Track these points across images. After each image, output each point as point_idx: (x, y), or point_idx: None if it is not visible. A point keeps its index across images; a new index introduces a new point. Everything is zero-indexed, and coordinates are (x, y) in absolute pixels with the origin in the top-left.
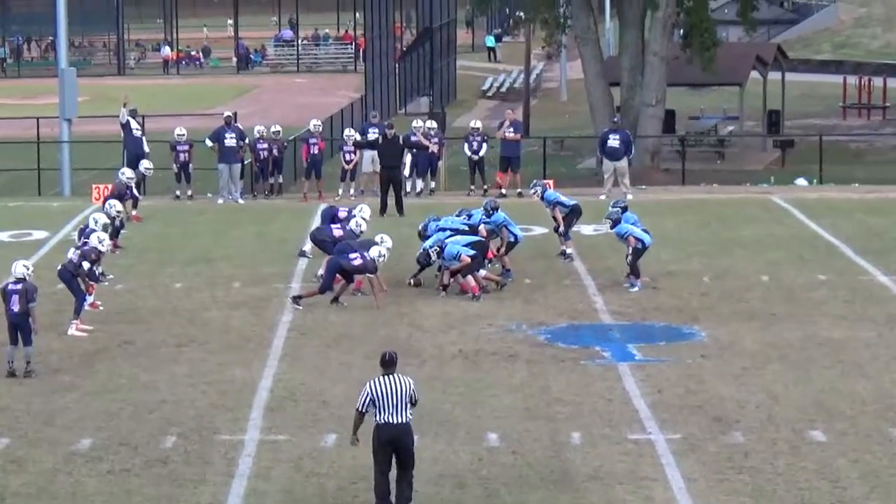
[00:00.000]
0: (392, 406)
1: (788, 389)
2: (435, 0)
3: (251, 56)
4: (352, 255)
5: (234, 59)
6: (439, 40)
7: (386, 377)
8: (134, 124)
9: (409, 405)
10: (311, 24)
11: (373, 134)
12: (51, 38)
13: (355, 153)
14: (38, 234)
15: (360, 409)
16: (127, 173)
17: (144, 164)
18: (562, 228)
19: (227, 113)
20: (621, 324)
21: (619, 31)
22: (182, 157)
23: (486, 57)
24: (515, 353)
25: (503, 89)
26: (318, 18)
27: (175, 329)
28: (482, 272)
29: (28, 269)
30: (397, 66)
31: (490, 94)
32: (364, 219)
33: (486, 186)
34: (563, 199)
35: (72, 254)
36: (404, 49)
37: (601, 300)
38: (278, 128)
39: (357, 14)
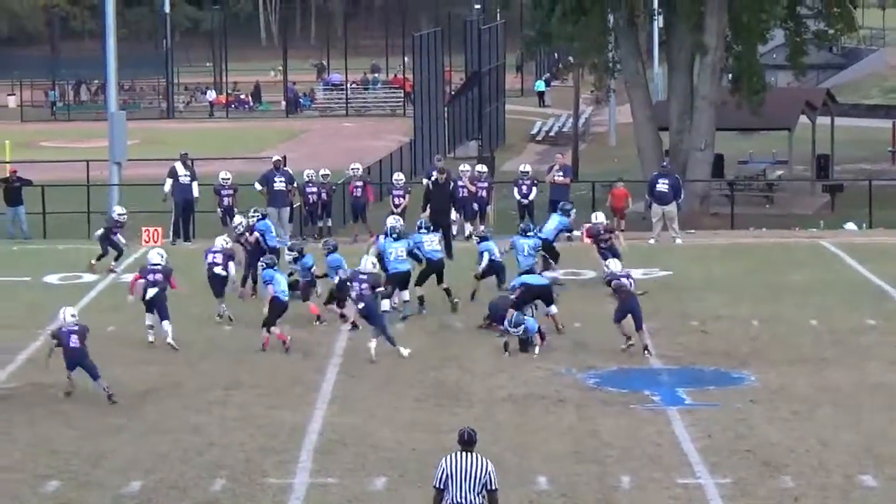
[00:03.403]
0: (464, 486)
1: (839, 434)
2: (484, 44)
3: (300, 100)
4: None
5: (283, 103)
6: (488, 84)
7: (462, 454)
8: (181, 170)
9: (483, 490)
10: (361, 68)
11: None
12: (101, 81)
13: (404, 197)
14: (88, 277)
15: (437, 485)
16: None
17: (117, 210)
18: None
19: (276, 157)
20: (670, 368)
21: (667, 75)
22: (226, 201)
23: (536, 101)
24: (565, 397)
25: (552, 133)
26: (368, 62)
27: (224, 371)
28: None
29: (76, 318)
30: (446, 109)
31: (539, 138)
32: None
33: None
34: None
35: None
36: (453, 93)
37: (650, 344)
38: (327, 171)
39: (406, 58)
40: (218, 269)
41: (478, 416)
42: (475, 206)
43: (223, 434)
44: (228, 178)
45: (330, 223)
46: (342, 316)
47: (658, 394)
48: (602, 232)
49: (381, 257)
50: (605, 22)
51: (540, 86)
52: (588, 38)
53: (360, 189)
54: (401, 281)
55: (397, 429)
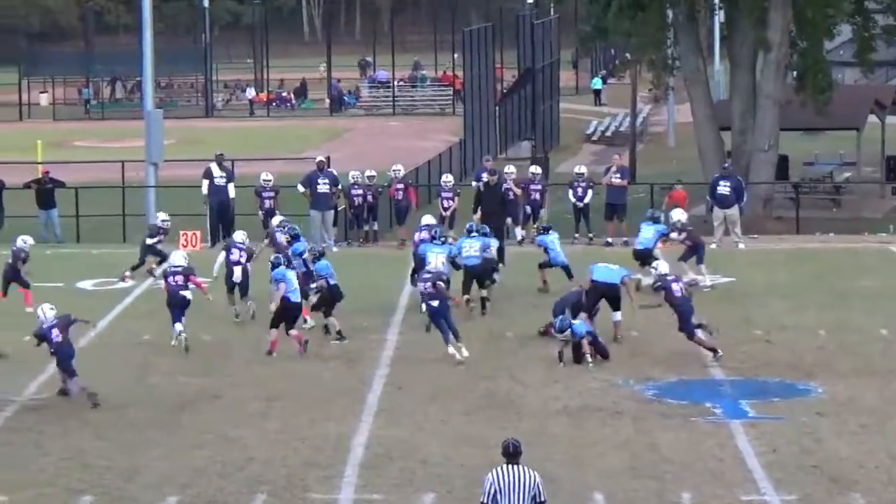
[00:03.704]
0: (514, 499)
1: None
2: (537, 40)
3: (344, 98)
4: None
5: (327, 101)
6: (541, 82)
7: (510, 467)
8: (217, 171)
9: (532, 503)
10: (408, 65)
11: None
12: (136, 78)
13: (453, 199)
14: (123, 283)
15: (484, 500)
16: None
17: (161, 216)
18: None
19: (319, 157)
20: (733, 379)
21: (729, 72)
22: (267, 203)
23: (591, 100)
24: (622, 410)
25: (608, 133)
26: (415, 59)
27: (265, 382)
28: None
29: (54, 311)
30: (497, 108)
31: (595, 138)
32: None
33: (591, 235)
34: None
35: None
36: (505, 91)
37: (711, 354)
38: (373, 173)
39: (455, 54)
40: (238, 270)
41: (531, 430)
42: (527, 209)
43: (264, 447)
44: (270, 180)
45: (376, 227)
46: (337, 333)
47: (720, 406)
48: (681, 230)
49: (420, 262)
50: (663, 17)
51: (597, 83)
52: (646, 33)
53: (401, 192)
54: None
55: (446, 443)
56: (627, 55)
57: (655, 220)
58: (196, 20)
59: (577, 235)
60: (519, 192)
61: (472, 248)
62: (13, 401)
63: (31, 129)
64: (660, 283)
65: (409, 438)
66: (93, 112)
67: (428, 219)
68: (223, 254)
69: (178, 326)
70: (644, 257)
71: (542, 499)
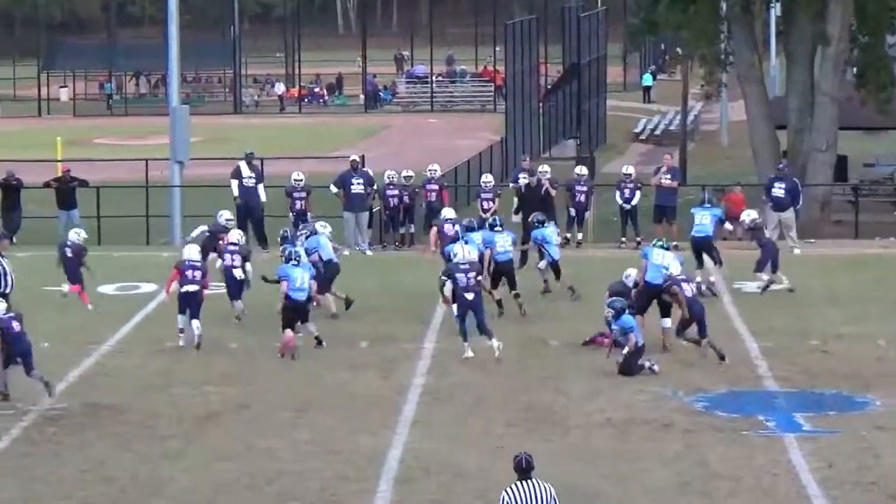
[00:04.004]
0: None
1: None
2: (583, 33)
3: (380, 93)
4: None
5: (362, 97)
6: (588, 78)
7: (523, 483)
8: (245, 171)
9: None
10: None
11: (524, 179)
12: (161, 72)
13: (493, 201)
14: (146, 287)
15: None
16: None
17: (224, 215)
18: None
19: (353, 156)
20: (787, 391)
21: (786, 68)
22: (298, 204)
23: (640, 97)
24: (670, 423)
25: (657, 132)
26: (458, 53)
27: (295, 391)
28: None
29: (4, 304)
30: (541, 105)
31: (643, 137)
32: None
33: (638, 238)
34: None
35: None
36: (549, 87)
37: (765, 364)
38: (410, 172)
39: (497, 48)
40: (237, 272)
41: (573, 444)
42: (572, 211)
43: (294, 460)
44: (301, 180)
45: (413, 229)
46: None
47: (773, 419)
48: (753, 228)
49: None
50: (716, 9)
51: (647, 79)
52: (698, 27)
53: (434, 193)
54: None
55: (484, 456)
56: (678, 50)
57: (711, 203)
58: (224, 12)
59: (624, 239)
60: (554, 192)
61: (505, 243)
62: (31, 410)
63: (51, 126)
64: (669, 283)
65: (446, 451)
66: (115, 108)
67: (450, 213)
68: (218, 260)
69: (182, 319)
70: (703, 246)
71: None
